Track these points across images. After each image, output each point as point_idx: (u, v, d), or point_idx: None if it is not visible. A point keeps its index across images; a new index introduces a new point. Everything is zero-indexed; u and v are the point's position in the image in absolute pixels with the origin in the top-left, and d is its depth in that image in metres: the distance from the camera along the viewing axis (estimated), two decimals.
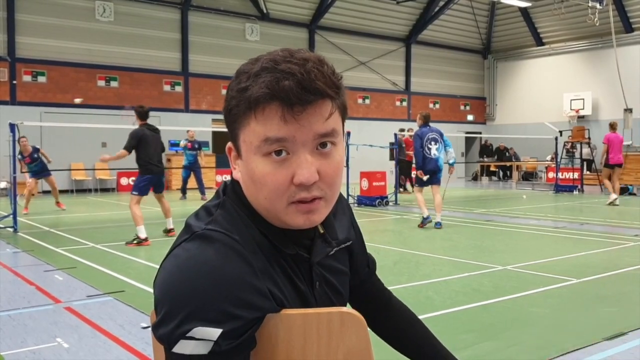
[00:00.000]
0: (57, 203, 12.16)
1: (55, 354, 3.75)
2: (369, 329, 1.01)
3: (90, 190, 18.00)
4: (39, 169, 11.84)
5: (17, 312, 4.71)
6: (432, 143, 9.69)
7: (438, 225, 9.61)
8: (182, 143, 15.03)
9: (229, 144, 1.02)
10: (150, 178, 8.10)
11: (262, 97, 0.90)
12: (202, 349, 0.85)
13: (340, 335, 0.95)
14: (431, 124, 9.91)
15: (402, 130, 17.46)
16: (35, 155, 11.68)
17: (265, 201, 0.95)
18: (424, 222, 9.76)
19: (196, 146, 14.76)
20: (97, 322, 4.41)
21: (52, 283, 5.71)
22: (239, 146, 0.97)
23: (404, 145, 16.91)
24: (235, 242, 0.92)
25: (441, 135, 9.85)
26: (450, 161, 10.10)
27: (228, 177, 1.09)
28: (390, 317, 1.32)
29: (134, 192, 8.08)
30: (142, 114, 8.13)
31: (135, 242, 7.83)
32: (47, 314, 4.68)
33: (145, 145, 7.95)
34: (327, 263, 1.10)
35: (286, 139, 0.91)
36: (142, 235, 7.85)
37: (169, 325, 0.86)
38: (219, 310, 0.86)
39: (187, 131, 15.13)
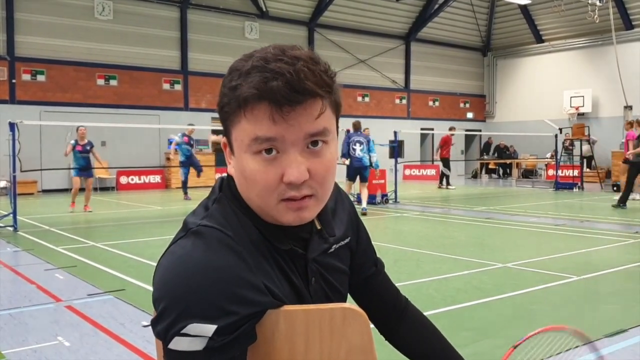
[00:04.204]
0: (85, 206, 12.10)
1: (57, 353, 3.75)
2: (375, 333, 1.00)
3: None
4: (85, 164, 12.06)
5: (18, 311, 4.71)
6: (357, 145, 11.48)
7: (364, 209, 11.27)
8: (178, 138, 14.36)
9: (224, 140, 1.01)
10: None
11: (251, 97, 0.90)
12: (197, 345, 0.86)
13: (342, 332, 0.95)
14: (361, 131, 11.92)
15: (451, 128, 19.22)
16: (88, 148, 11.99)
17: (257, 198, 0.96)
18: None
19: (192, 142, 14.64)
20: (98, 321, 4.41)
21: (52, 282, 5.72)
22: (232, 143, 0.97)
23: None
24: (228, 237, 0.93)
25: (367, 140, 11.65)
26: (373, 164, 12.00)
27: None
28: (406, 327, 1.26)
29: None
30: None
31: None
32: (48, 312, 4.69)
33: None
34: (327, 261, 1.09)
35: (276, 139, 0.91)
36: None
37: (165, 322, 0.87)
38: (214, 306, 0.86)
39: (190, 124, 15.04)
